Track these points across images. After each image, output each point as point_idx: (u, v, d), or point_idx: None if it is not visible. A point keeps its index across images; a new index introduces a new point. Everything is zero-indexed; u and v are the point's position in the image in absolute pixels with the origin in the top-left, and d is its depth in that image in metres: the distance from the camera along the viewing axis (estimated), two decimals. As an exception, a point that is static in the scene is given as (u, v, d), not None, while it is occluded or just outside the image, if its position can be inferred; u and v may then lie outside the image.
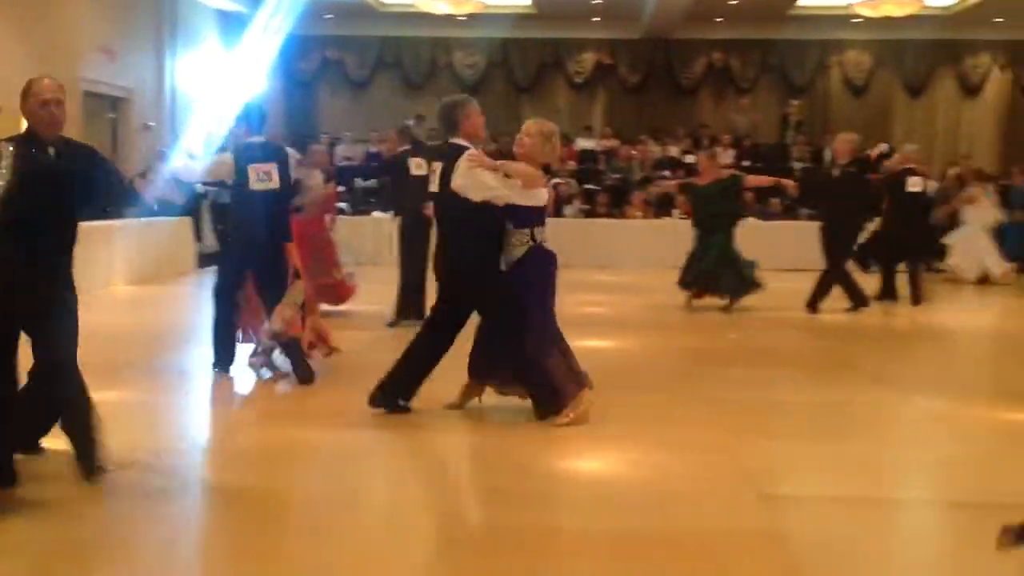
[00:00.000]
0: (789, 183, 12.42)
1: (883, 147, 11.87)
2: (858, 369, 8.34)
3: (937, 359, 9.19)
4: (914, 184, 12.16)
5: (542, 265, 6.09)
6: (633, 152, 19.96)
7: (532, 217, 6.05)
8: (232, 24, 19.25)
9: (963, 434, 6.11)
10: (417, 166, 10.18)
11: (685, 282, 11.61)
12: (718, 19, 20.69)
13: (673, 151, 19.98)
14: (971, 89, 21.83)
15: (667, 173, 18.50)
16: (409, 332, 6.76)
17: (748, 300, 11.40)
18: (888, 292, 12.38)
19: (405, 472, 5.32)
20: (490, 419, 6.19)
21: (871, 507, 4.69)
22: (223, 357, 7.29)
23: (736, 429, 5.93)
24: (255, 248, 7.08)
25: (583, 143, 20.53)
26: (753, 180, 12.22)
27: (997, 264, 14.98)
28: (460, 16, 19.78)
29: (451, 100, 6.53)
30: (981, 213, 15.08)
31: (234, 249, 7.37)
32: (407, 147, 10.50)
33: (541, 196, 6.09)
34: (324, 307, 9.32)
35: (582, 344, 8.66)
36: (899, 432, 6.27)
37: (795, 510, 4.61)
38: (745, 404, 6.68)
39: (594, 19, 20.96)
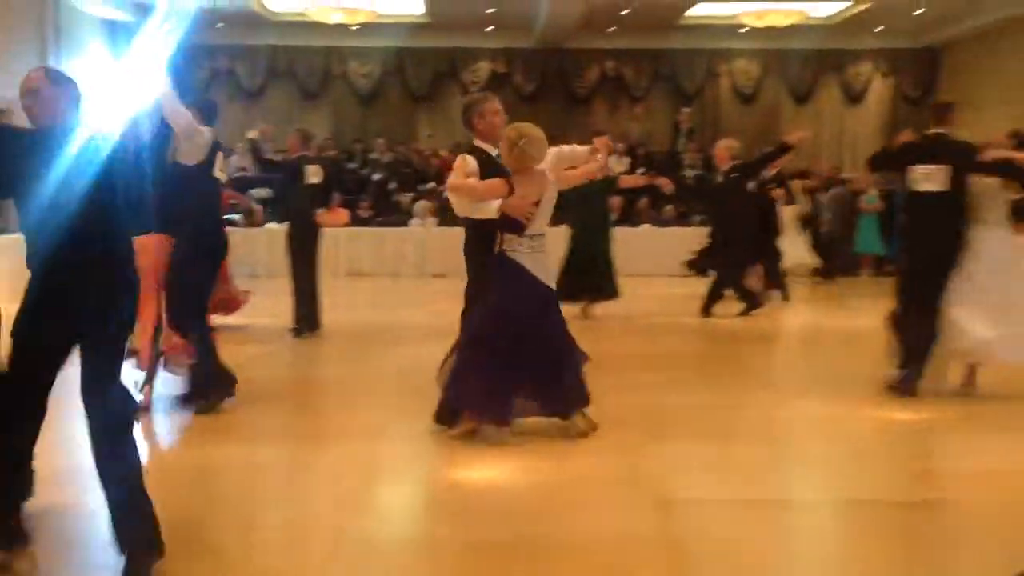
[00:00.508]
0: (663, 181, 12.50)
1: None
2: (748, 372, 8.53)
3: (817, 359, 9.44)
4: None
5: (498, 276, 5.86)
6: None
7: (498, 224, 5.80)
8: (119, 33, 18.80)
9: (846, 433, 6.27)
10: (313, 173, 10.11)
11: (571, 293, 10.52)
12: (610, 29, 20.93)
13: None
14: (854, 96, 22.47)
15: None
16: (311, 343, 6.69)
17: (644, 306, 11.53)
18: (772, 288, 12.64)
19: (301, 487, 5.25)
20: (391, 432, 6.17)
21: (765, 509, 4.79)
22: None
23: (631, 434, 6.00)
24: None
25: (479, 152, 20.56)
26: (627, 180, 12.28)
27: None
28: (353, 25, 19.66)
29: (467, 99, 6.34)
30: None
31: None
32: (306, 152, 10.42)
33: (489, 209, 5.74)
34: (221, 319, 9.16)
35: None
36: (786, 433, 6.42)
37: (691, 514, 4.67)
38: (640, 409, 6.77)
39: (488, 29, 21.03)
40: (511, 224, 5.75)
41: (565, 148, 6.28)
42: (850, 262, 17.49)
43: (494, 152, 5.94)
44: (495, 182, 5.79)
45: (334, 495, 4.98)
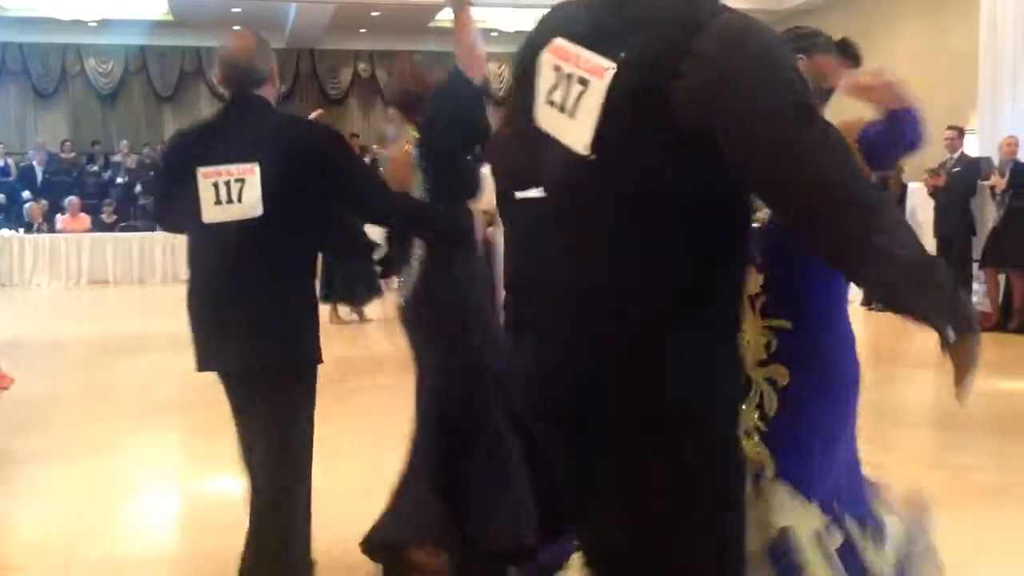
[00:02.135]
0: None
1: None
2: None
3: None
4: None
5: None
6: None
7: None
8: None
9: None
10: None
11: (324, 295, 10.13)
12: (362, 30, 20.86)
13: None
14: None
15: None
16: (46, 355, 6.31)
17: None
18: None
19: (29, 509, 4.96)
20: (127, 446, 5.93)
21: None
22: None
23: (378, 439, 5.95)
24: None
25: (230, 154, 20.07)
26: None
27: None
28: (90, 22, 18.78)
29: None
30: None
31: None
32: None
33: None
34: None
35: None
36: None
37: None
38: (354, 414, 6.70)
39: (235, 27, 20.47)
40: None
41: None
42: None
43: None
44: None
45: (63, 515, 4.73)
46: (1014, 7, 12.21)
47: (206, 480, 5.30)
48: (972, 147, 11.62)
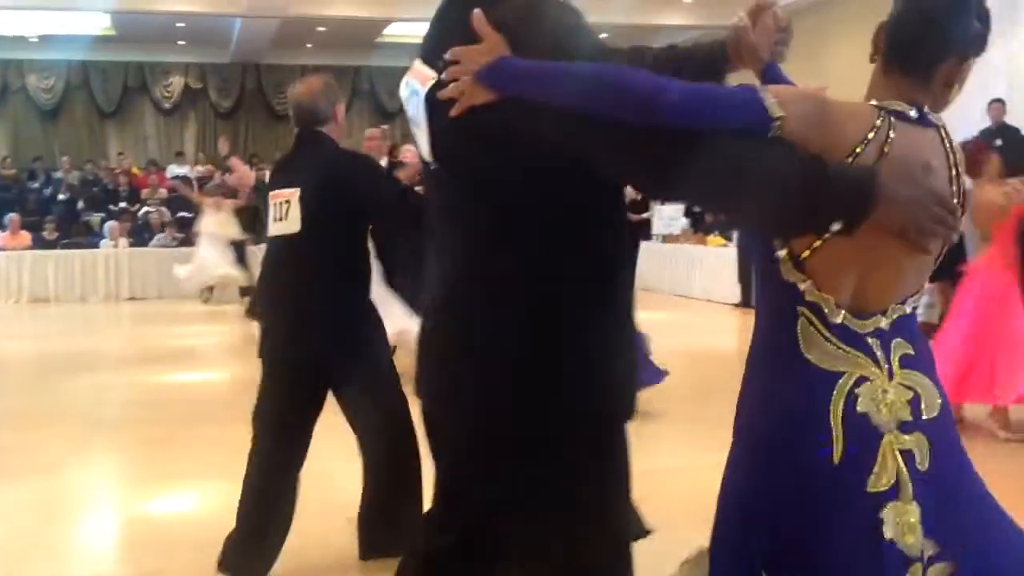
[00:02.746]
0: None
1: None
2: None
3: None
4: None
5: None
6: (228, 178, 19.55)
7: None
8: None
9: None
10: None
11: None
12: (307, 45, 20.79)
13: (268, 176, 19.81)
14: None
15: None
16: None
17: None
18: None
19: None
20: (71, 465, 5.83)
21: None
22: None
23: (327, 454, 5.91)
24: None
25: (176, 170, 19.86)
26: None
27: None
28: (32, 37, 18.54)
29: None
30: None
31: None
32: None
33: None
34: None
35: (168, 379, 8.42)
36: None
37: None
38: (339, 427, 6.68)
39: (180, 42, 20.37)
40: None
41: None
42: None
43: None
44: None
45: (7, 536, 4.64)
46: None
47: (153, 499, 5.23)
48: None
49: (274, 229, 3.77)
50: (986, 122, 11.43)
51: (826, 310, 1.83)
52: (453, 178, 1.87)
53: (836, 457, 1.78)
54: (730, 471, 1.94)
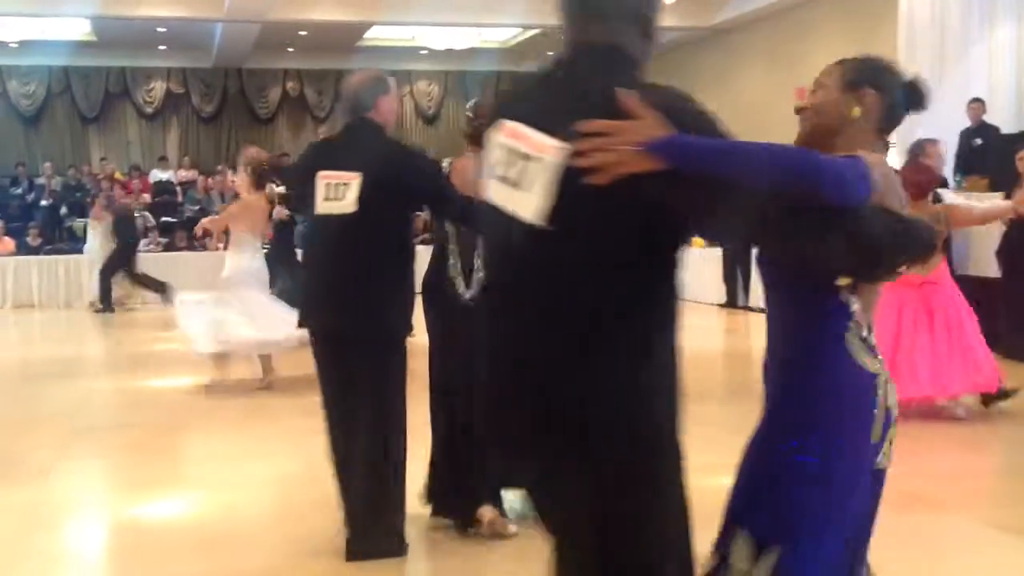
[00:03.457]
0: None
1: None
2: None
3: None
4: None
5: None
6: (211, 183, 19.53)
7: None
8: None
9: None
10: None
11: None
12: (289, 48, 20.76)
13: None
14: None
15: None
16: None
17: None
18: None
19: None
20: (57, 472, 5.81)
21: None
22: None
23: (303, 459, 5.89)
24: None
25: (159, 174, 19.82)
26: None
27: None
28: (12, 43, 18.46)
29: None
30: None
31: None
32: None
33: None
34: None
35: (154, 384, 8.41)
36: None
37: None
38: (313, 430, 6.65)
39: (161, 47, 20.31)
40: None
41: None
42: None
43: None
44: None
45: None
46: (930, 20, 12.56)
47: (139, 506, 5.21)
48: (891, 158, 11.83)
49: (324, 208, 4.04)
50: (967, 122, 11.48)
51: (864, 324, 2.35)
52: (567, 239, 2.01)
53: (875, 437, 2.34)
54: (770, 446, 2.38)
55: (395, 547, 4.16)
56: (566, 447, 2.07)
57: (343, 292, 4.06)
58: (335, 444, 4.20)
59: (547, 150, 1.99)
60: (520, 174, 2.04)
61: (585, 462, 2.05)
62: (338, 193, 4.02)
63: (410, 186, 4.07)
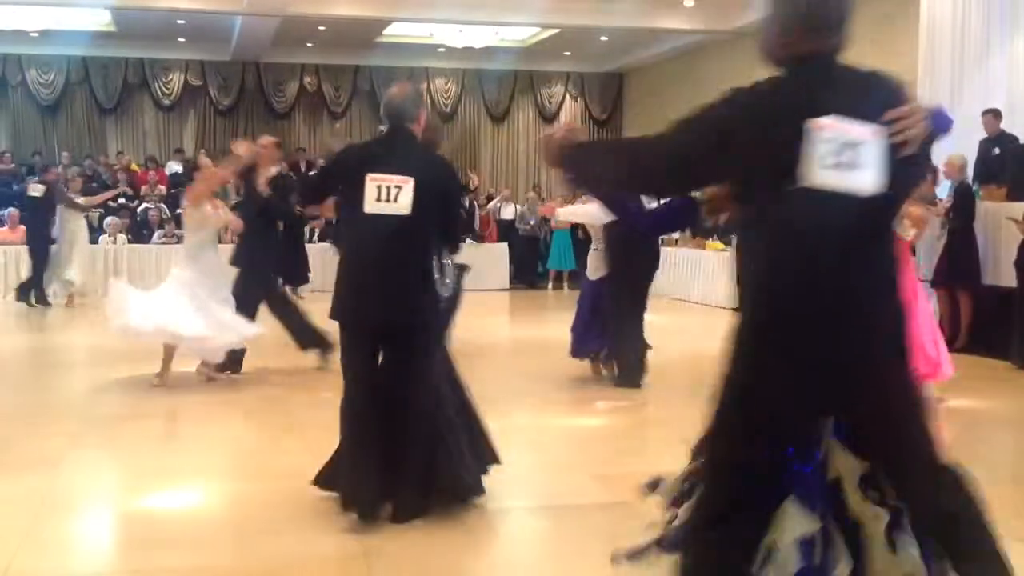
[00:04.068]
0: None
1: None
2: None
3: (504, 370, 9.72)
4: None
5: None
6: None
7: None
8: None
9: (533, 441, 6.49)
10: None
11: None
12: (308, 43, 20.77)
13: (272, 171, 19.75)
14: (548, 117, 23.40)
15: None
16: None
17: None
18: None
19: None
20: (69, 461, 5.82)
21: (459, 517, 4.87)
22: None
23: (314, 452, 5.89)
24: None
25: (174, 166, 19.84)
26: None
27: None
28: (32, 32, 18.51)
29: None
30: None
31: None
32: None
33: None
34: None
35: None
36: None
37: (380, 528, 4.64)
38: (324, 425, 6.64)
39: (180, 39, 20.35)
40: None
41: None
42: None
43: None
44: None
45: (2, 531, 4.63)
46: (951, 28, 12.50)
47: (150, 496, 5.22)
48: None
49: (376, 208, 4.43)
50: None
51: None
52: (895, 201, 2.71)
53: None
54: None
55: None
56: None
57: (394, 288, 4.48)
58: (362, 439, 4.55)
59: (872, 134, 2.51)
60: (859, 157, 2.49)
61: None
62: (391, 195, 4.42)
63: (452, 195, 4.81)
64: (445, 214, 4.66)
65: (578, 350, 8.37)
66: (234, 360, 8.37)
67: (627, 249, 7.89)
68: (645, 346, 8.14)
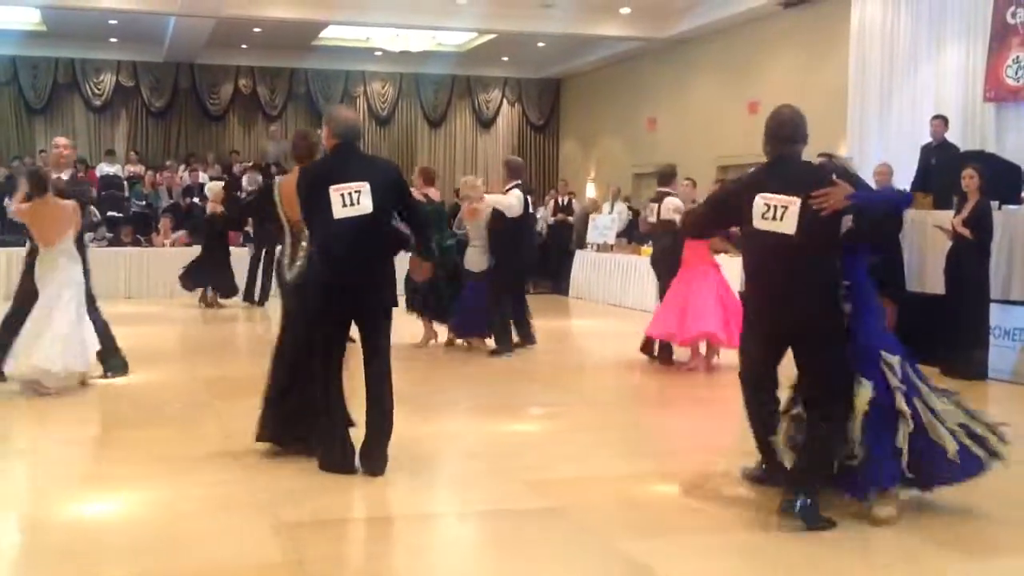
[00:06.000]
0: None
1: None
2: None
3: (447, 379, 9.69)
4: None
5: None
6: (159, 178, 19.30)
7: None
8: None
9: (463, 448, 6.46)
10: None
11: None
12: (243, 46, 20.59)
13: (203, 177, 19.50)
14: (485, 122, 23.43)
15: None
16: None
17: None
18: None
19: None
20: None
21: (390, 524, 4.83)
22: None
23: (247, 460, 5.81)
24: None
25: (106, 168, 19.50)
26: None
27: None
28: (-43, 31, 18.15)
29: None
30: None
31: None
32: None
33: None
34: None
35: (106, 381, 8.26)
36: (402, 451, 6.37)
37: (310, 536, 4.60)
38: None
39: (112, 39, 20.04)
40: None
41: None
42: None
43: None
44: None
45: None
46: (880, 39, 12.74)
47: (81, 503, 5.12)
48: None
49: (344, 212, 5.25)
50: (916, 140, 11.59)
51: None
52: (808, 241, 4.72)
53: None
54: None
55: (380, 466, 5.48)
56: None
57: (368, 278, 5.39)
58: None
59: (791, 202, 4.70)
60: (778, 213, 4.74)
61: None
62: (353, 199, 5.25)
63: (402, 187, 5.67)
64: (402, 202, 5.58)
65: (461, 333, 10.17)
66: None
67: (514, 244, 9.84)
68: (521, 321, 10.08)
